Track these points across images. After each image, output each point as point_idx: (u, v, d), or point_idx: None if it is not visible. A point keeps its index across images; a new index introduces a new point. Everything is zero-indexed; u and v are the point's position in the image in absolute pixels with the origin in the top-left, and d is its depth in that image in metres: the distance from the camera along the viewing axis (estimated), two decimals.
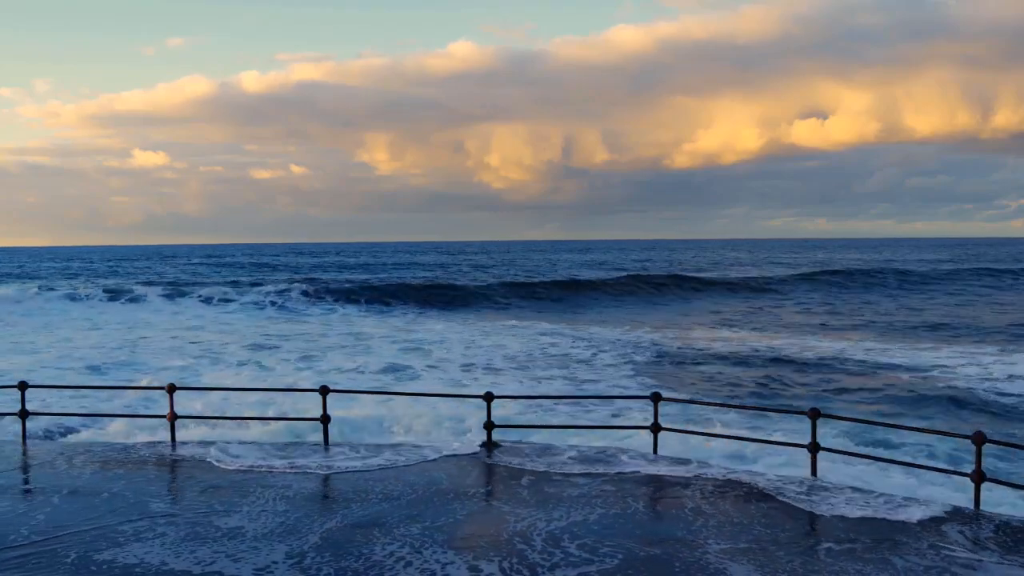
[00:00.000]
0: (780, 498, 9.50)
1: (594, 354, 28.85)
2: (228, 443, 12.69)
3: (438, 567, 7.36)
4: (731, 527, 8.47)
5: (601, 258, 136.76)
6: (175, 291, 52.40)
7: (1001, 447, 11.00)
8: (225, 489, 9.82)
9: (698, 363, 27.64)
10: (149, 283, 57.72)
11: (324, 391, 12.13)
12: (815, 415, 10.31)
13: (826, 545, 7.98)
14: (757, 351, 29.81)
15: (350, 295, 52.27)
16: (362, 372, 25.21)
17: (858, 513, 8.93)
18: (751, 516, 8.86)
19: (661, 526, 8.62)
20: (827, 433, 14.06)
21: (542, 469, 10.78)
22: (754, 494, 9.67)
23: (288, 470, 10.78)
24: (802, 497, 9.59)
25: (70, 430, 17.74)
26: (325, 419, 12.21)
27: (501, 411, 19.25)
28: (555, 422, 17.56)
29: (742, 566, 7.42)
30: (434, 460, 11.26)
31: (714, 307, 50.66)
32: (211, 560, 7.50)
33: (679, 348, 30.91)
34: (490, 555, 7.68)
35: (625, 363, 26.97)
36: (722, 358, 28.35)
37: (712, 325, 40.16)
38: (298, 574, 7.22)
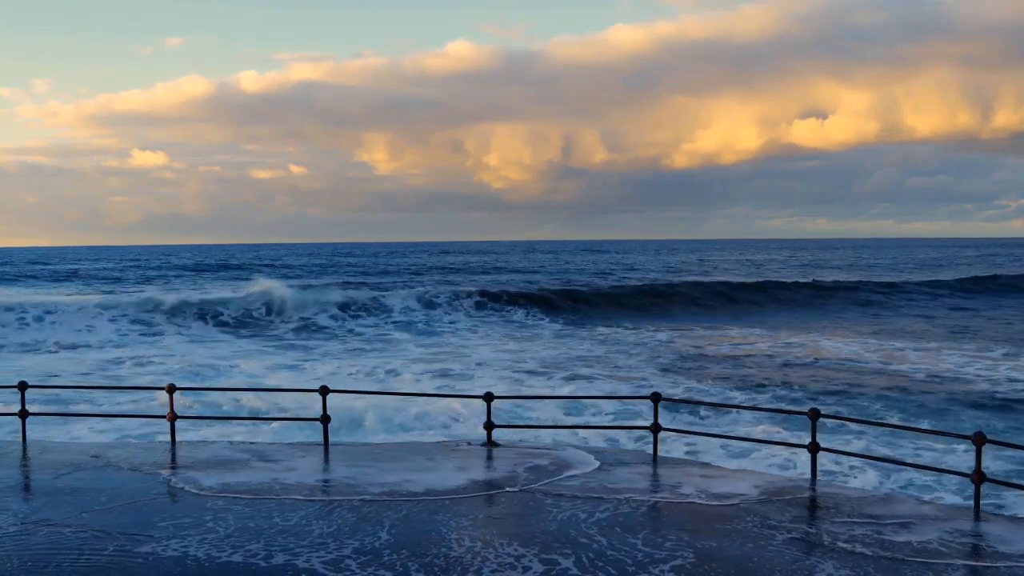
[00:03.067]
0: (804, 497, 9.51)
1: None
2: (231, 443, 12.70)
3: (512, 559, 7.39)
4: (784, 527, 8.42)
5: (685, 258, 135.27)
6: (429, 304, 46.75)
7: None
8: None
9: None
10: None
11: (324, 391, 12.13)
12: (815, 415, 10.29)
13: (876, 543, 7.97)
14: None
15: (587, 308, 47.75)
16: None
17: (880, 512, 8.95)
18: (785, 514, 8.86)
19: (707, 522, 8.59)
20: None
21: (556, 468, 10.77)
22: (778, 493, 9.67)
23: (313, 482, 10.76)
24: (821, 496, 9.62)
25: (69, 430, 17.76)
26: (325, 419, 12.21)
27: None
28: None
29: (826, 562, 7.40)
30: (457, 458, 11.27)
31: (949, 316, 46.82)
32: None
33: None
34: (554, 545, 7.77)
35: None
36: None
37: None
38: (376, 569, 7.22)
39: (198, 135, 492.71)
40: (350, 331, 41.03)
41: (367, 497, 9.44)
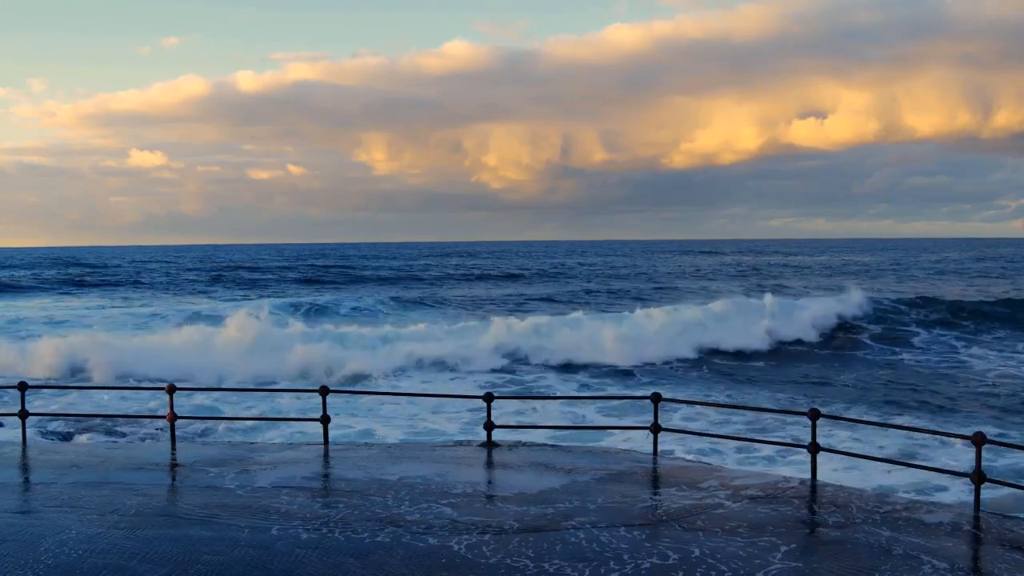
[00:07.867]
0: (803, 496, 9.51)
1: None
2: (231, 442, 12.72)
3: (624, 547, 7.58)
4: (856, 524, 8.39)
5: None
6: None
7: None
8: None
9: None
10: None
11: (324, 391, 12.14)
12: (815, 415, 10.29)
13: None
14: None
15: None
16: None
17: (880, 512, 8.92)
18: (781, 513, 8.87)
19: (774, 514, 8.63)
20: None
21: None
22: (776, 492, 9.66)
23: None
24: (820, 495, 9.62)
25: (68, 431, 17.78)
26: (325, 419, 12.21)
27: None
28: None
29: (931, 556, 7.48)
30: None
31: None
32: None
33: None
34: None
35: None
36: None
37: None
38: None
39: (196, 135, 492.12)
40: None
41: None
